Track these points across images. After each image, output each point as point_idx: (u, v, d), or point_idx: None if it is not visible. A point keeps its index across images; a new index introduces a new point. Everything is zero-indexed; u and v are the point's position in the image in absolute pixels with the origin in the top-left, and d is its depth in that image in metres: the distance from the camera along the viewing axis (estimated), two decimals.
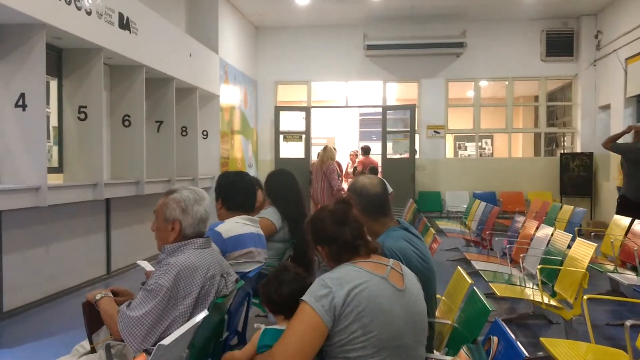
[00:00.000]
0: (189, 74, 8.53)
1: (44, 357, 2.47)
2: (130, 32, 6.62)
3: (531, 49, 12.28)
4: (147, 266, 2.93)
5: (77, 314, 2.59)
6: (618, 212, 6.91)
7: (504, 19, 12.16)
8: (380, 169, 11.58)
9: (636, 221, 5.86)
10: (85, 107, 6.12)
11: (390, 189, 10.17)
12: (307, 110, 12.83)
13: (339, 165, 11.01)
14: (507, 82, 12.59)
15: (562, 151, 13.10)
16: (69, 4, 5.34)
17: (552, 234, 5.22)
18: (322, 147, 9.16)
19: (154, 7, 7.42)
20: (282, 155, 12.33)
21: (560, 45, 12.11)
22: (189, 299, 2.25)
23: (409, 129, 12.38)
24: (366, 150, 12.05)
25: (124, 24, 6.49)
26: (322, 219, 2.15)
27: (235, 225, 3.28)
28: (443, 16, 11.97)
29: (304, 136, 12.68)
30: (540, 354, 4.06)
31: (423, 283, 2.24)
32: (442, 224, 9.59)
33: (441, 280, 2.93)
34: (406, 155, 12.23)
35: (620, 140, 7.65)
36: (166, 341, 1.72)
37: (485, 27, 12.28)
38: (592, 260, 4.77)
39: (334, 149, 9.41)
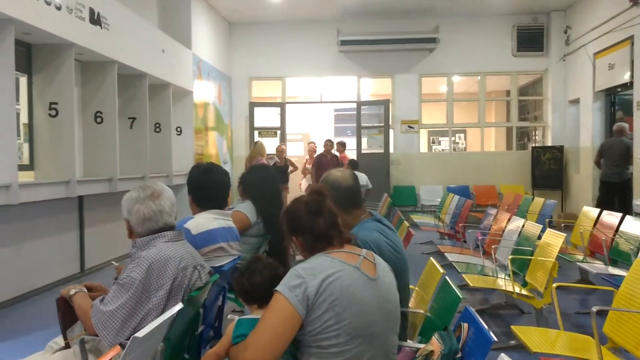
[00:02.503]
0: (162, 70, 8.46)
1: (18, 354, 2.44)
2: (101, 28, 6.55)
3: (502, 44, 12.45)
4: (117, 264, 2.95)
5: (51, 312, 2.57)
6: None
7: (475, 14, 12.29)
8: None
9: (604, 212, 6.01)
10: (56, 103, 6.05)
11: (370, 185, 10.18)
12: (281, 106, 12.84)
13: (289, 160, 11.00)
14: (479, 77, 12.75)
15: (533, 145, 13.33)
16: None
17: (523, 226, 5.32)
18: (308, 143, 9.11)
19: (125, 2, 7.33)
20: None
21: (530, 40, 12.30)
22: (162, 291, 2.25)
23: (383, 124, 12.47)
24: (343, 146, 12.04)
25: (95, 20, 6.41)
26: (297, 210, 2.17)
27: (204, 221, 3.26)
28: (416, 12, 12.06)
29: (278, 132, 12.69)
30: (512, 342, 4.15)
31: (396, 273, 2.27)
32: (417, 218, 9.69)
33: (415, 272, 2.98)
34: (381, 150, 12.30)
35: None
36: (140, 334, 1.72)
37: (457, 23, 12.40)
38: (562, 251, 4.89)
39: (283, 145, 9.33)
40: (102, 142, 6.96)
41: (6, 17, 4.89)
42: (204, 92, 10.76)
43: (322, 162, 10.73)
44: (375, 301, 2.01)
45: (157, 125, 8.89)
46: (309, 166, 11.96)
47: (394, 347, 2.11)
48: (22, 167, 5.66)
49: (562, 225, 8.15)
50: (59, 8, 5.63)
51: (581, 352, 2.98)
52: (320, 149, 11.49)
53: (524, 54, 12.39)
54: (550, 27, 12.18)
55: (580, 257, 5.66)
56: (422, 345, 2.22)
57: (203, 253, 3.07)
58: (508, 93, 13.34)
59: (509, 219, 5.88)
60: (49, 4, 5.45)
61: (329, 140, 11.28)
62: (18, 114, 5.75)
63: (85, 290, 2.49)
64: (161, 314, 2.16)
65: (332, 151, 11.19)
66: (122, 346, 1.71)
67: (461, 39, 12.45)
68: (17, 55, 5.15)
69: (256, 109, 12.73)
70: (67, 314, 2.48)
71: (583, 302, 5.59)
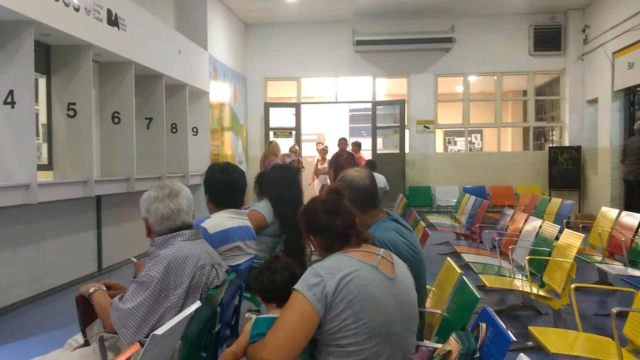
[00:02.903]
0: (179, 71, 8.51)
1: (37, 352, 2.47)
2: (118, 29, 6.60)
3: (519, 44, 12.35)
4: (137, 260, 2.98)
5: (69, 310, 2.60)
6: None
7: (492, 14, 12.21)
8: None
9: (624, 213, 5.94)
10: (74, 104, 6.10)
11: (388, 187, 10.12)
12: (296, 106, 12.85)
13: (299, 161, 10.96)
14: (495, 77, 12.67)
15: (550, 145, 13.20)
16: (57, 0, 5.32)
17: (540, 226, 5.27)
18: (320, 143, 9.09)
19: (142, 3, 7.39)
20: None
21: (548, 39, 12.19)
22: (180, 290, 2.27)
23: (398, 124, 12.43)
24: (358, 146, 12.00)
25: (113, 20, 6.47)
26: (314, 209, 2.18)
27: (221, 220, 3.28)
28: (432, 11, 12.01)
29: (294, 132, 12.70)
30: (530, 343, 4.11)
31: (413, 273, 2.27)
32: (433, 218, 9.64)
33: (431, 272, 2.97)
34: (396, 150, 12.26)
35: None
36: (159, 331, 1.73)
37: (474, 22, 12.33)
38: (580, 252, 4.84)
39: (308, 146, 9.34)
40: (120, 142, 7.01)
41: (26, 18, 4.95)
42: (220, 92, 10.81)
43: (340, 162, 10.68)
44: (393, 300, 2.00)
45: (174, 126, 8.94)
46: (321, 167, 11.97)
47: (412, 346, 2.11)
48: (40, 167, 5.72)
49: (580, 226, 8.07)
50: (77, 9, 5.69)
51: (601, 354, 2.95)
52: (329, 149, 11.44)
53: (541, 53, 12.28)
54: (568, 26, 12.06)
55: (599, 258, 5.59)
56: (439, 345, 2.21)
57: (220, 252, 3.08)
58: (525, 93, 13.23)
59: (526, 220, 5.83)
60: (67, 5, 5.50)
61: (343, 139, 11.16)
62: (37, 115, 5.82)
63: (104, 289, 2.51)
64: (179, 312, 2.18)
65: (347, 149, 11.12)
66: (141, 344, 1.73)
67: (477, 39, 12.38)
68: (36, 57, 5.21)
69: (271, 110, 12.75)
70: (87, 312, 2.51)
71: (602, 304, 5.52)
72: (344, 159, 10.72)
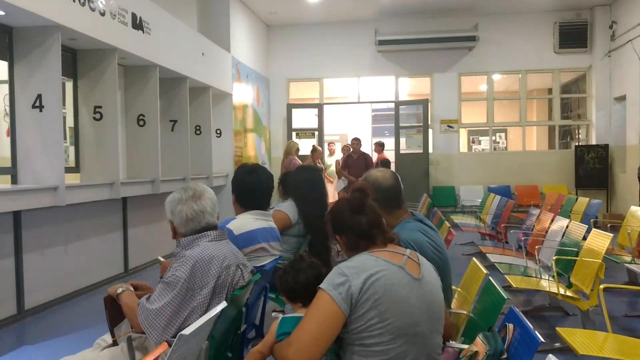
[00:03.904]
0: (202, 73, 8.58)
1: (66, 352, 2.51)
2: (143, 32, 6.68)
3: (544, 41, 12.19)
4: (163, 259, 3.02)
5: (97, 311, 2.64)
6: None
7: (516, 11, 12.08)
8: (393, 164, 11.54)
9: None
10: (100, 107, 6.19)
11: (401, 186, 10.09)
12: (319, 107, 12.86)
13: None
14: (520, 75, 12.53)
15: (576, 143, 13.01)
16: (83, 5, 5.41)
17: (567, 226, 5.20)
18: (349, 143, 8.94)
19: (166, 7, 7.48)
20: None
21: (573, 36, 12.02)
22: (206, 290, 2.29)
23: (422, 124, 12.36)
24: (381, 146, 11.89)
25: (137, 24, 6.55)
26: (340, 208, 2.18)
27: (246, 222, 3.30)
28: (455, 10, 11.93)
29: (316, 133, 12.71)
30: (557, 345, 4.06)
31: (439, 274, 2.25)
32: (457, 218, 9.56)
33: (456, 273, 2.94)
34: (420, 150, 12.20)
35: None
36: (187, 331, 1.75)
37: (498, 20, 12.22)
38: (608, 252, 4.75)
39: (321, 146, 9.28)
40: (145, 144, 7.10)
41: (53, 23, 5.03)
42: (243, 94, 10.87)
43: (349, 163, 10.60)
44: (419, 301, 1.99)
45: (198, 128, 9.02)
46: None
47: (438, 347, 2.09)
48: (68, 170, 5.81)
49: (608, 225, 7.92)
50: (102, 14, 5.77)
51: (632, 356, 2.90)
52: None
53: (567, 50, 12.10)
54: (594, 22, 11.88)
55: (628, 259, 5.49)
56: (465, 346, 2.19)
57: (245, 253, 3.09)
58: (550, 91, 13.06)
59: (553, 219, 5.75)
60: (93, 10, 5.59)
61: (356, 139, 10.81)
62: (64, 118, 5.92)
63: (132, 289, 2.55)
64: (205, 312, 2.20)
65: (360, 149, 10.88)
66: (169, 344, 1.74)
67: (501, 37, 12.25)
68: (63, 61, 5.29)
69: (294, 111, 12.77)
70: (114, 312, 2.55)
71: (632, 305, 5.43)
72: (354, 160, 10.53)
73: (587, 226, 4.92)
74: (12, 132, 5.26)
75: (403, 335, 1.93)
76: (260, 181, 3.45)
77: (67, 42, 5.75)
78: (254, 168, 3.50)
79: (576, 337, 3.13)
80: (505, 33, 12.26)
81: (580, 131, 13.78)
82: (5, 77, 5.26)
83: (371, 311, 1.92)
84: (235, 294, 2.39)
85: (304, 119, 13.43)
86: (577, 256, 4.49)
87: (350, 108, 16.13)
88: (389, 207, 2.77)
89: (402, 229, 2.66)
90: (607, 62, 11.73)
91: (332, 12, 11.96)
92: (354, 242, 2.13)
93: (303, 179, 4.25)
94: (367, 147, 14.57)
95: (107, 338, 2.59)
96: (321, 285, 1.98)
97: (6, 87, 5.30)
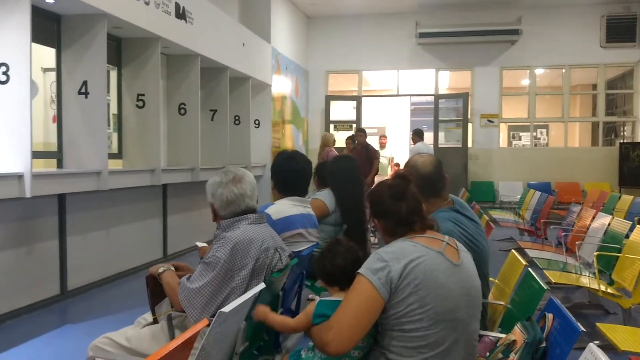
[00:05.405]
0: (242, 64, 8.65)
1: (107, 330, 2.58)
2: (186, 22, 6.77)
3: (590, 35, 11.89)
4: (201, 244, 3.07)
5: (136, 293, 2.70)
6: None
7: (561, 4, 11.81)
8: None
9: None
10: (143, 95, 6.31)
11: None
12: (357, 99, 12.83)
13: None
14: (563, 70, 12.26)
15: (621, 141, 12.67)
16: None
17: (609, 223, 5.08)
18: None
19: None
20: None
21: (621, 30, 11.68)
22: (245, 271, 2.33)
23: (461, 118, 12.22)
24: (420, 135, 11.54)
25: (180, 14, 6.64)
26: (381, 193, 2.19)
27: (285, 207, 3.34)
28: (497, 2, 11.74)
29: (354, 125, 12.68)
30: (597, 342, 3.97)
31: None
32: (496, 214, 9.43)
33: (494, 267, 2.91)
34: (459, 144, 12.06)
35: None
36: (226, 309, 1.79)
37: (542, 14, 11.96)
38: None
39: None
40: (185, 133, 7.21)
41: (100, 11, 5.15)
42: (282, 85, 10.92)
43: (352, 154, 10.30)
44: (458, 287, 1.99)
45: (237, 118, 9.11)
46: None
47: (476, 333, 2.09)
48: (111, 155, 5.94)
49: None
50: (147, 3, 5.87)
51: None
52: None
53: (614, 45, 11.78)
54: None
55: None
56: (503, 336, 2.17)
57: (283, 238, 3.12)
58: (594, 86, 12.74)
59: (594, 216, 5.62)
60: None
61: (360, 130, 10.37)
62: (108, 105, 6.06)
63: (173, 269, 2.60)
64: (244, 293, 2.23)
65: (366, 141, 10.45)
66: (209, 321, 1.78)
67: (545, 30, 12.00)
68: (108, 49, 5.41)
69: (332, 102, 12.77)
70: (156, 291, 2.60)
71: None
72: (357, 151, 9.87)
73: (630, 223, 4.79)
74: (59, 118, 5.40)
75: (442, 320, 1.93)
76: (299, 168, 3.48)
77: (112, 31, 5.87)
78: (293, 155, 3.54)
79: (617, 333, 3.07)
80: (550, 27, 12.00)
81: (625, 128, 13.41)
82: (53, 64, 5.40)
83: (411, 296, 1.92)
84: (274, 277, 2.42)
85: (342, 111, 13.41)
86: (619, 253, 4.39)
87: (388, 101, 16.03)
88: (425, 194, 2.74)
89: (434, 218, 2.64)
90: None
91: (372, 3, 11.91)
92: (392, 227, 2.13)
93: (341, 169, 4.27)
94: (406, 140, 14.52)
95: (148, 316, 2.65)
96: (360, 270, 1.99)
97: (52, 75, 5.45)
